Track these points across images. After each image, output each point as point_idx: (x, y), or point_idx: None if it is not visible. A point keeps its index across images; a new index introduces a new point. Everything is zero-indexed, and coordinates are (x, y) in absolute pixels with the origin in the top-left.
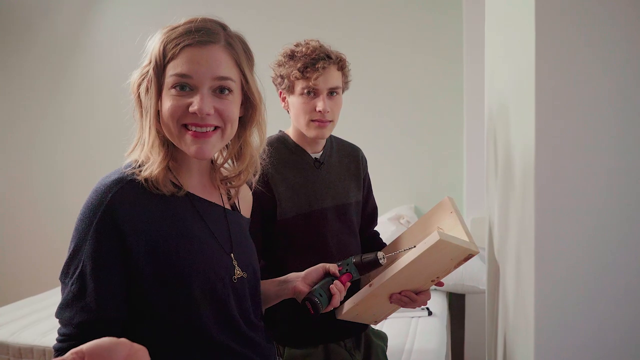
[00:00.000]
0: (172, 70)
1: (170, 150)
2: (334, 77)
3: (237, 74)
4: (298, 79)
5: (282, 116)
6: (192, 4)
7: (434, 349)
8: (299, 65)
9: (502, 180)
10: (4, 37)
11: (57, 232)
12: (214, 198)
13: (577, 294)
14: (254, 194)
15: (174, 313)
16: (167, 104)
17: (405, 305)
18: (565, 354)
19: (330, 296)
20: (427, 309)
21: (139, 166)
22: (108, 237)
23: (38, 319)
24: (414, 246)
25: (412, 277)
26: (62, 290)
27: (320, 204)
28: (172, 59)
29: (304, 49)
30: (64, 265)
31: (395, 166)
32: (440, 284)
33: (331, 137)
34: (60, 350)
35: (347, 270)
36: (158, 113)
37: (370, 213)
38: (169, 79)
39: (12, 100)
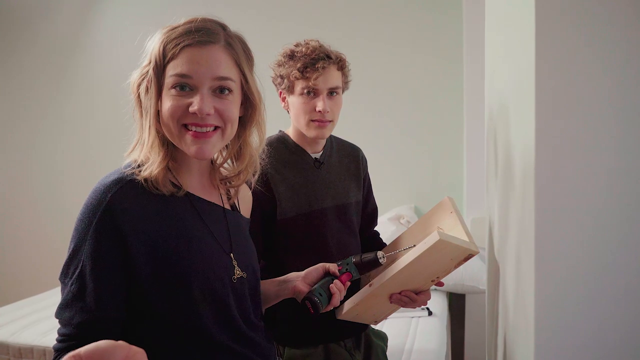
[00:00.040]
0: (172, 70)
1: (170, 150)
2: (333, 77)
3: (237, 74)
4: (298, 79)
5: (282, 116)
6: (192, 4)
7: (434, 349)
8: (298, 65)
9: (502, 180)
10: (4, 37)
11: (57, 232)
12: (214, 198)
13: (577, 294)
14: (254, 194)
15: (174, 313)
16: (167, 104)
17: (405, 305)
18: (565, 354)
19: (330, 295)
20: (427, 309)
21: (139, 166)
22: (108, 237)
23: (38, 319)
24: (414, 245)
25: (412, 277)
26: (62, 290)
27: (320, 204)
28: (172, 59)
29: (303, 49)
30: (64, 266)
31: (395, 166)
32: (440, 284)
33: (331, 137)
34: (59, 350)
35: (347, 269)
36: (158, 113)
37: (370, 213)
38: (168, 79)
39: (12, 100)
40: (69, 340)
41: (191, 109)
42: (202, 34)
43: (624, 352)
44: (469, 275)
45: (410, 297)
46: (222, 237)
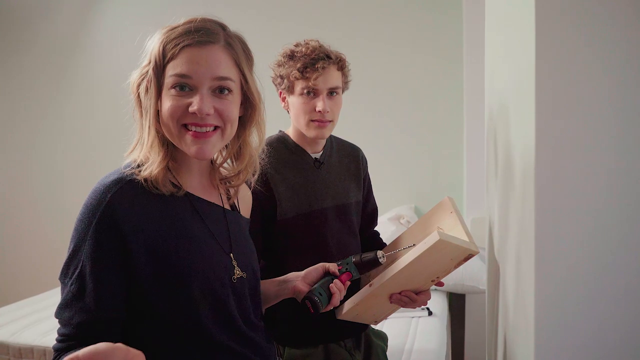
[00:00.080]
0: (172, 70)
1: (170, 150)
2: (333, 77)
3: (237, 74)
4: (298, 79)
5: (282, 116)
6: (192, 4)
7: (434, 349)
8: (298, 65)
9: (502, 180)
10: (4, 37)
11: (57, 232)
12: (214, 198)
13: (577, 294)
14: (253, 194)
15: (174, 313)
16: (166, 104)
17: (405, 305)
18: (565, 354)
19: (330, 295)
20: (427, 309)
21: (138, 166)
22: (107, 237)
23: (38, 319)
24: (414, 244)
25: (412, 277)
26: (62, 290)
27: (320, 204)
28: (171, 59)
29: (303, 49)
30: (64, 266)
31: (395, 166)
32: (441, 284)
33: (331, 137)
34: (59, 350)
35: (346, 269)
36: (158, 113)
37: (370, 213)
38: (168, 79)
39: (12, 100)
40: (68, 340)
41: (191, 109)
42: (202, 34)
43: (624, 352)
44: (469, 275)
45: (411, 297)
46: (222, 237)
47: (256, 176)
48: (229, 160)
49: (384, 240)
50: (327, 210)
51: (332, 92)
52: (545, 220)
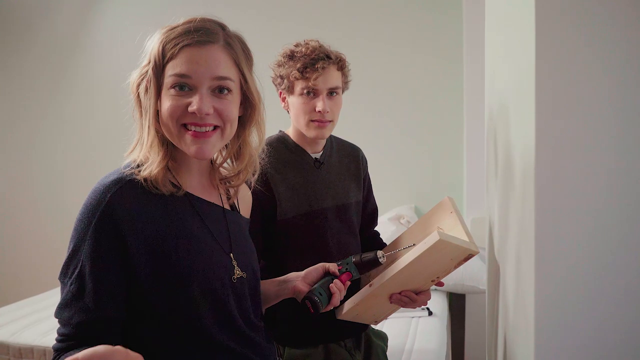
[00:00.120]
0: (171, 70)
1: (170, 150)
2: (333, 77)
3: (236, 73)
4: (298, 79)
5: (282, 116)
6: (192, 4)
7: (434, 349)
8: (298, 65)
9: (502, 180)
10: (4, 37)
11: (57, 232)
12: (213, 198)
13: (577, 294)
14: (253, 194)
15: (174, 313)
16: (166, 103)
17: (405, 305)
18: (565, 354)
19: (330, 295)
20: (427, 309)
21: (138, 166)
22: (107, 237)
23: (38, 319)
24: (414, 244)
25: (412, 277)
26: (62, 290)
27: (320, 204)
28: (171, 59)
29: (303, 49)
30: (63, 265)
31: (395, 166)
32: (441, 284)
33: (331, 137)
34: (59, 350)
35: (346, 269)
36: (157, 113)
37: (370, 213)
38: (168, 79)
39: (12, 100)
40: (68, 340)
41: (190, 109)
42: (201, 34)
43: (624, 352)
44: (469, 275)
45: (411, 297)
46: (222, 237)
47: (256, 176)
48: (228, 160)
49: (384, 240)
50: (327, 210)
51: (332, 92)
52: (545, 220)
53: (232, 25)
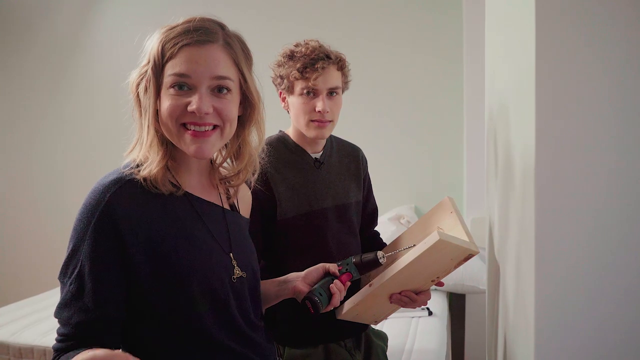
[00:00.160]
0: (171, 69)
1: (169, 150)
2: (333, 77)
3: (236, 73)
4: (297, 79)
5: (282, 116)
6: (192, 4)
7: (434, 349)
8: (298, 65)
9: (502, 180)
10: (4, 37)
11: (57, 232)
12: (213, 198)
13: (577, 294)
14: (253, 194)
15: (174, 313)
16: (165, 103)
17: (405, 305)
18: (565, 354)
19: (330, 295)
20: (428, 309)
21: (137, 166)
22: (106, 236)
23: (38, 319)
24: (414, 245)
25: (412, 277)
26: (61, 290)
27: (320, 204)
28: (170, 58)
29: (303, 49)
30: (63, 265)
31: (395, 166)
32: (441, 284)
33: (331, 137)
34: (59, 350)
35: (347, 269)
36: (157, 112)
37: (370, 213)
38: (167, 79)
39: (12, 100)
40: (68, 340)
41: (190, 108)
42: (201, 34)
43: (624, 352)
44: (469, 275)
45: (411, 297)
46: (222, 237)
47: (256, 176)
48: (228, 160)
49: (384, 240)
50: (327, 210)
51: (332, 92)
52: (545, 220)
53: (232, 25)
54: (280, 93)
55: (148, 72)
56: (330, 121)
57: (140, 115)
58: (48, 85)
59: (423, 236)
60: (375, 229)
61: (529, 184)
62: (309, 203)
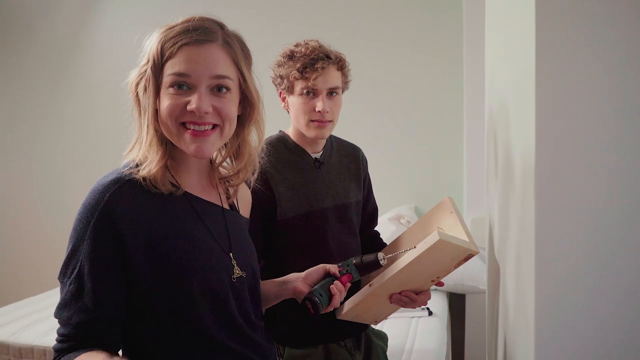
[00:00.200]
0: (170, 69)
1: (169, 149)
2: (333, 77)
3: (235, 72)
4: (297, 79)
5: (282, 116)
6: (192, 4)
7: (434, 349)
8: (298, 65)
9: (502, 180)
10: (4, 37)
11: (57, 232)
12: (213, 198)
13: (577, 294)
14: (253, 193)
15: (174, 313)
16: (165, 102)
17: (405, 305)
18: (565, 354)
19: (330, 296)
20: (428, 309)
21: (137, 165)
22: (106, 236)
23: (38, 319)
24: (415, 247)
25: (412, 277)
26: (61, 290)
27: (321, 204)
28: (169, 57)
29: (303, 49)
30: (62, 265)
31: (395, 166)
32: (441, 284)
33: (331, 137)
34: (59, 351)
35: (347, 271)
36: (156, 112)
37: (370, 213)
38: (167, 78)
39: (12, 100)
40: (68, 340)
41: (189, 107)
42: (200, 33)
43: (624, 352)
44: (469, 275)
45: (411, 297)
46: (221, 237)
47: (255, 175)
48: (228, 160)
49: (384, 240)
50: (327, 210)
51: (331, 92)
52: (545, 220)
53: (232, 25)
54: (280, 93)
55: (147, 72)
56: (330, 121)
57: (140, 114)
58: (48, 85)
59: (423, 236)
60: (375, 229)
61: (529, 184)
62: (309, 203)
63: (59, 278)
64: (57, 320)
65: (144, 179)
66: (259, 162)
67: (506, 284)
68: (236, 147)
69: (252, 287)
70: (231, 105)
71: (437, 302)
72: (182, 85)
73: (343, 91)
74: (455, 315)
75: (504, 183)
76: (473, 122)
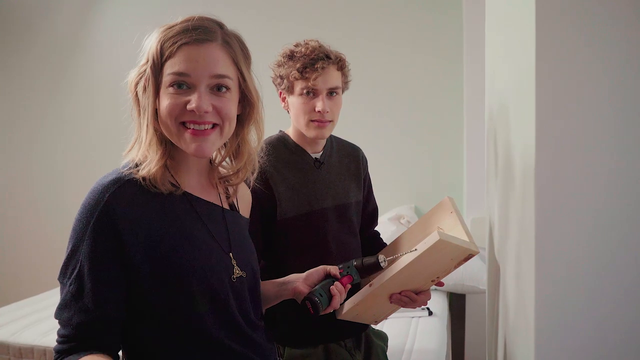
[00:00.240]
0: (170, 68)
1: (168, 149)
2: (333, 77)
3: (235, 71)
4: (297, 79)
5: (282, 116)
6: (191, 4)
7: (435, 349)
8: (298, 65)
9: (502, 180)
10: (4, 37)
11: (57, 232)
12: (212, 198)
13: (577, 294)
14: (253, 193)
15: (174, 313)
16: (165, 102)
17: (405, 305)
18: (565, 354)
19: (330, 297)
20: (428, 309)
21: (136, 165)
22: (105, 236)
23: (38, 319)
24: (415, 249)
25: (412, 277)
26: (61, 291)
27: (321, 204)
28: (169, 57)
29: (303, 49)
30: (62, 266)
31: (395, 166)
32: (441, 284)
33: (331, 137)
34: (60, 352)
35: (348, 272)
36: (156, 111)
37: (370, 213)
38: (166, 78)
39: (12, 100)
40: (69, 341)
41: (189, 107)
42: (200, 32)
43: (624, 352)
44: (469, 275)
45: (411, 297)
46: (221, 237)
47: (255, 175)
48: (227, 159)
49: (384, 240)
50: (327, 210)
51: (331, 92)
52: (545, 220)
53: (232, 25)
54: (280, 93)
55: (147, 71)
56: (330, 121)
57: (139, 114)
58: (48, 85)
59: (423, 236)
60: (376, 229)
61: (529, 184)
62: (309, 203)
63: (59, 279)
64: (57, 321)
65: (144, 178)
66: (259, 161)
67: (506, 284)
68: (235, 147)
69: (252, 287)
70: (231, 104)
71: (437, 302)
72: (182, 84)
73: (343, 91)
74: (455, 315)
75: (504, 183)
76: (473, 122)
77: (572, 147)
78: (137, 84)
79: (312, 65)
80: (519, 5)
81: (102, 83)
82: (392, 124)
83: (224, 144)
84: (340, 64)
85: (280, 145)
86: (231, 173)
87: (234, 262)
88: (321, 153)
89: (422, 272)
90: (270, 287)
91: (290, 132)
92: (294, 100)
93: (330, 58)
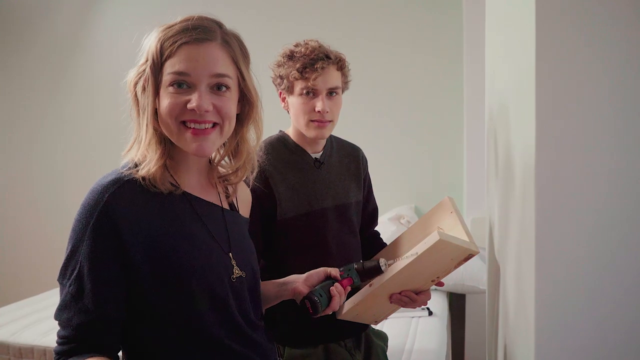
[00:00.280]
0: (170, 68)
1: (168, 148)
2: (333, 77)
3: (234, 71)
4: (297, 79)
5: (282, 116)
6: (191, 4)
7: (435, 349)
8: (298, 65)
9: (502, 180)
10: (4, 37)
11: (57, 232)
12: (212, 198)
13: (577, 294)
14: (253, 193)
15: (174, 313)
16: (165, 101)
17: (405, 305)
18: (565, 354)
19: (330, 297)
20: (428, 309)
21: (136, 165)
22: (105, 236)
23: (38, 319)
24: (417, 253)
25: (412, 277)
26: (61, 291)
27: (321, 204)
28: (169, 57)
29: (303, 49)
30: (62, 267)
31: (395, 166)
32: (441, 284)
33: (331, 137)
34: (60, 353)
35: (348, 275)
36: (155, 111)
37: (370, 213)
38: (166, 77)
39: (12, 100)
40: (69, 342)
41: (189, 106)
42: (199, 32)
43: (624, 352)
44: (469, 275)
45: (411, 297)
46: (221, 237)
47: (254, 174)
48: (226, 158)
49: (384, 240)
50: (327, 210)
51: (331, 92)
52: (545, 220)
53: (232, 25)
54: (280, 93)
55: (146, 71)
56: (330, 121)
57: (138, 114)
58: (48, 85)
59: (423, 236)
60: (376, 228)
61: (529, 184)
62: (309, 203)
63: (59, 279)
64: (57, 322)
65: (143, 178)
66: (257, 160)
67: (506, 284)
68: (234, 146)
69: (252, 287)
70: (231, 103)
71: (437, 302)
72: (182, 84)
73: (343, 91)
74: (455, 315)
75: (504, 183)
76: (473, 122)
77: (572, 147)
78: (136, 83)
79: (312, 66)
80: (519, 5)
81: (102, 83)
82: (392, 124)
83: (223, 143)
84: (340, 64)
85: (280, 145)
86: (230, 172)
87: (233, 262)
88: (321, 153)
89: (422, 272)
90: (270, 287)
91: (290, 132)
92: (293, 100)
93: (330, 58)
